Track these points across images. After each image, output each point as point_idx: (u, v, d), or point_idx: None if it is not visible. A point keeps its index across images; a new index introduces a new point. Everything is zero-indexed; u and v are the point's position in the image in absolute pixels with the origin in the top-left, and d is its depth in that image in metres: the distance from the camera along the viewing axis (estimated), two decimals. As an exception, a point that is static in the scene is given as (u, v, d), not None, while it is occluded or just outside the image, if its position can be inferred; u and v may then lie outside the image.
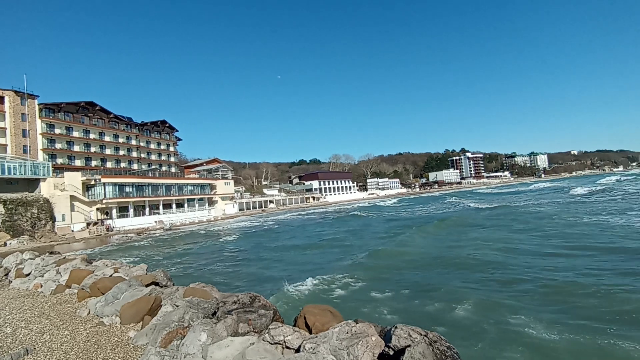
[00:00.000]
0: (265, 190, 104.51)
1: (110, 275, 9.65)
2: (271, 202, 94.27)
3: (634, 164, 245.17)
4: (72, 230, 45.56)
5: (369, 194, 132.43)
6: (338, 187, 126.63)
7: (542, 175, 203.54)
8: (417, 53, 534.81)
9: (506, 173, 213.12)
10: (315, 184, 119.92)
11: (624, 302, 9.28)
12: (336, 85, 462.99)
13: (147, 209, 58.15)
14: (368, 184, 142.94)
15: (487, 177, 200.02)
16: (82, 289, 8.80)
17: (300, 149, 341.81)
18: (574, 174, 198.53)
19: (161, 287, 8.64)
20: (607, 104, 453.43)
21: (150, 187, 59.74)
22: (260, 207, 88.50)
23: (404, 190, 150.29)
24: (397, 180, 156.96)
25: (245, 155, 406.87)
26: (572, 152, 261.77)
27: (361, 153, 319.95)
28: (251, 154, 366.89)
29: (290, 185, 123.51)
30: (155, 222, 56.36)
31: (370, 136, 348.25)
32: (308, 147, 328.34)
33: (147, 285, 8.11)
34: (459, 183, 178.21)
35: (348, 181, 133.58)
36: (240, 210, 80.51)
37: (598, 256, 14.60)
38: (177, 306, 6.42)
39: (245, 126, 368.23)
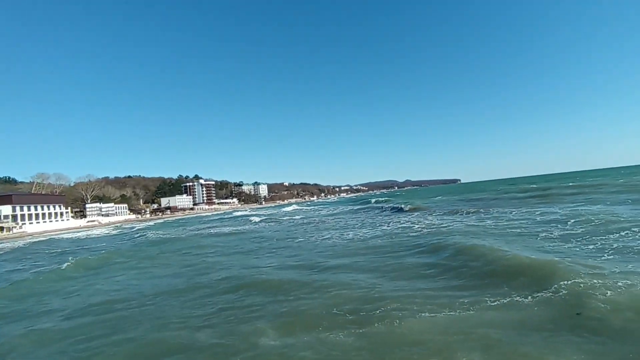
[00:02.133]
0: None
1: None
2: None
3: (322, 194, 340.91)
4: None
5: (88, 222, 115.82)
6: (44, 214, 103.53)
7: (263, 202, 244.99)
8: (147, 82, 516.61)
9: (234, 200, 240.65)
10: (6, 209, 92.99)
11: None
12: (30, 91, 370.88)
13: None
14: (88, 209, 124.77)
15: (218, 203, 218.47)
16: None
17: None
18: (285, 201, 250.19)
19: None
20: (302, 150, 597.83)
21: None
22: None
23: (133, 216, 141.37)
24: (125, 205, 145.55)
25: None
26: (284, 184, 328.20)
27: (80, 173, 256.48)
28: None
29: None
30: None
31: (92, 155, 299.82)
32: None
33: None
34: (192, 209, 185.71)
35: (60, 206, 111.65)
36: None
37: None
38: None
39: None
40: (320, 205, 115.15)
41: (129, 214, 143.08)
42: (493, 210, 30.64)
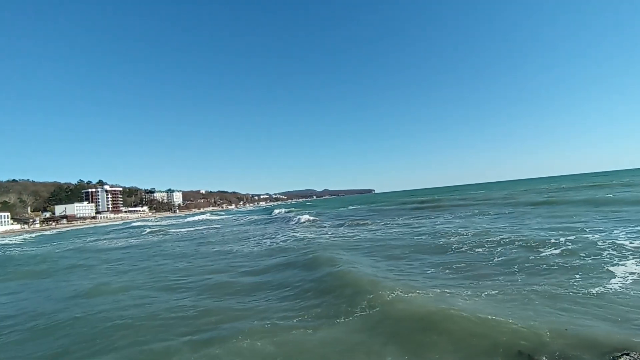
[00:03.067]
0: None
1: None
2: None
3: (241, 202, 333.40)
4: None
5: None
6: None
7: (177, 211, 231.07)
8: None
9: (145, 208, 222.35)
10: None
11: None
12: None
13: None
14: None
15: (125, 211, 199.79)
16: None
17: None
18: (201, 209, 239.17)
19: None
20: (221, 156, 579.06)
21: None
22: None
23: (18, 226, 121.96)
24: (8, 214, 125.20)
25: None
26: (201, 191, 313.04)
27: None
28: None
29: None
30: None
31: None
32: None
33: None
34: (94, 218, 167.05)
35: None
36: None
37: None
38: None
39: None
40: (234, 214, 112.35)
41: (12, 223, 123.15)
42: (392, 221, 33.75)
